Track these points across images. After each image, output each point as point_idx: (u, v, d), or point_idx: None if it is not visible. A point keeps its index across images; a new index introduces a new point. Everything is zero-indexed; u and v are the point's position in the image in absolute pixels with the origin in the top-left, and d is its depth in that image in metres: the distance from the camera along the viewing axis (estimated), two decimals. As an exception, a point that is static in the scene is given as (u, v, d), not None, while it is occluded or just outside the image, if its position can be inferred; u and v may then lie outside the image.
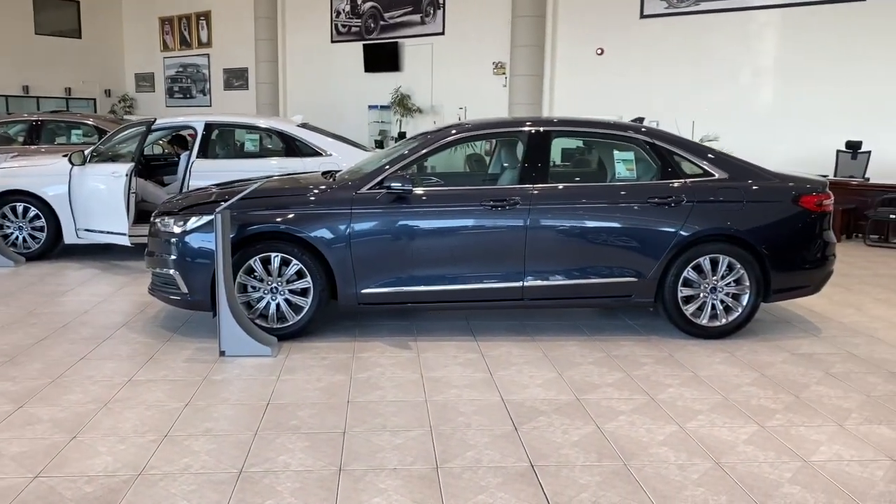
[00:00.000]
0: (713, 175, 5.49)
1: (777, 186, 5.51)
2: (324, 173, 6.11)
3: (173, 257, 5.24)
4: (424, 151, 5.41)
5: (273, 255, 5.17)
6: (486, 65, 16.44)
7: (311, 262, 5.16)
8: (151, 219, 5.58)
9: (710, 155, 5.56)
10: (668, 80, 14.05)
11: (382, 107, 17.91)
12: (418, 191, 5.26)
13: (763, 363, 4.97)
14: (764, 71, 13.24)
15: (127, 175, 7.16)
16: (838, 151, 11.51)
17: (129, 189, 7.19)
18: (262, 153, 8.37)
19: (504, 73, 16.23)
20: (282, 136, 8.19)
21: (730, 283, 5.44)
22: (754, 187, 5.47)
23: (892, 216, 9.94)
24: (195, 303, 5.25)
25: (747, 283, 5.43)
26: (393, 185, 5.13)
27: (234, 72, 21.27)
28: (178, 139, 9.05)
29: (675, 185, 5.40)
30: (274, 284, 5.21)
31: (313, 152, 8.07)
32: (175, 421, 3.89)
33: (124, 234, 7.19)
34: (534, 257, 5.28)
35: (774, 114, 13.07)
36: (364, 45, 18.06)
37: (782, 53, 13.02)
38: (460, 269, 5.26)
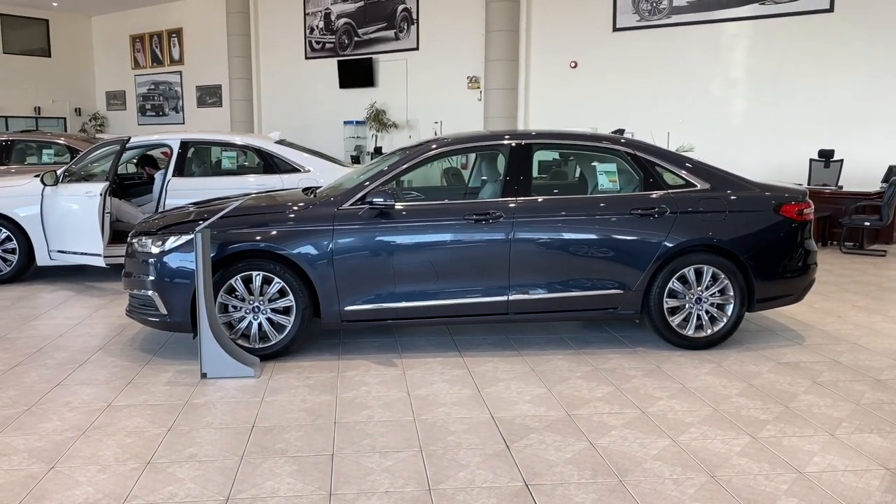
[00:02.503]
0: (695, 185, 5.50)
1: (758, 196, 5.53)
2: (304, 190, 6.03)
3: (152, 278, 5.13)
4: (405, 166, 5.36)
5: (254, 273, 5.08)
6: (461, 79, 16.47)
7: (294, 280, 5.08)
8: (128, 239, 5.46)
9: (690, 165, 5.56)
10: (641, 92, 14.17)
11: (358, 122, 17.86)
12: (400, 206, 5.21)
13: (750, 373, 4.96)
14: (736, 82, 13.39)
15: (101, 195, 7.03)
16: (811, 160, 11.65)
17: (104, 209, 7.05)
18: (240, 170, 8.27)
19: (479, 88, 16.27)
20: (259, 152, 8.10)
21: (714, 293, 5.44)
22: (736, 197, 5.48)
23: (866, 223, 10.05)
24: (175, 324, 5.14)
25: (731, 293, 5.43)
26: (375, 200, 5.07)
27: (207, 89, 21.12)
28: (147, 159, 8.92)
29: (658, 196, 5.40)
30: (256, 303, 5.11)
31: (291, 168, 7.99)
32: (157, 447, 3.77)
33: (99, 255, 7.04)
34: (518, 271, 5.24)
35: (747, 124, 13.21)
36: (339, 62, 18.02)
37: (754, 64, 13.18)
38: (444, 284, 5.20)
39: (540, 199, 5.37)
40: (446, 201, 5.59)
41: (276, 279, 5.08)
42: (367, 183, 5.26)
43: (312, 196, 5.57)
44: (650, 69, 14.12)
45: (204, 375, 4.80)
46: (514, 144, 5.45)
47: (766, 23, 12.96)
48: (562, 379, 4.83)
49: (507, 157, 5.42)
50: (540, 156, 5.74)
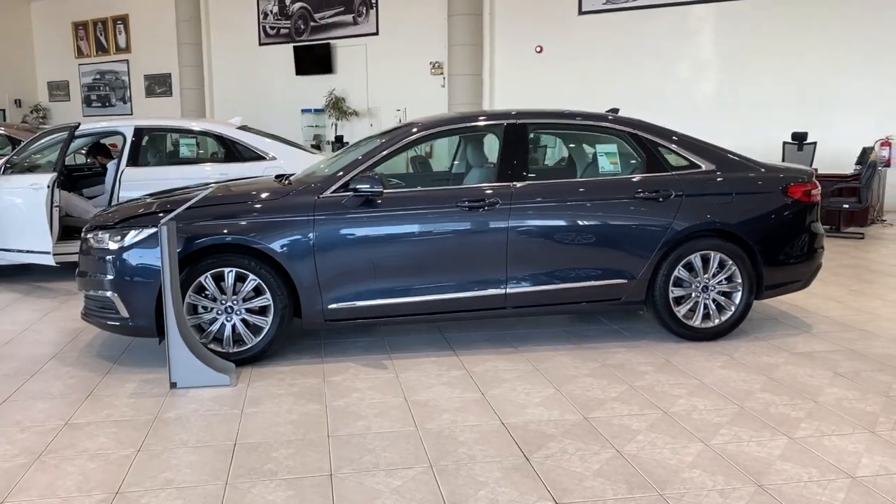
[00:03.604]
0: (700, 166, 5.15)
1: (765, 177, 5.21)
2: (276, 177, 5.53)
3: (110, 277, 4.59)
4: (390, 150, 4.90)
5: (226, 270, 4.58)
6: (424, 65, 15.98)
7: (271, 277, 4.59)
8: (83, 234, 4.90)
9: (695, 145, 5.21)
10: (608, 77, 13.88)
11: (316, 110, 17.26)
12: (388, 193, 4.74)
13: (766, 365, 4.64)
14: (704, 65, 13.20)
15: (49, 187, 6.41)
16: (784, 143, 11.48)
17: (52, 202, 6.44)
18: (200, 159, 7.69)
19: (442, 73, 15.81)
20: (220, 139, 7.54)
21: (721, 281, 5.10)
22: (743, 178, 5.15)
23: (845, 206, 9.89)
24: (138, 328, 4.61)
25: (739, 281, 5.10)
26: (360, 187, 4.61)
27: (156, 78, 20.24)
28: (99, 148, 8.23)
29: (663, 178, 5.04)
30: (229, 303, 4.61)
31: (255, 156, 7.45)
32: (126, 473, 3.27)
33: (48, 253, 6.43)
34: (516, 261, 4.83)
35: (716, 107, 13.03)
36: (294, 47, 17.37)
37: (721, 48, 13.00)
38: (437, 277, 4.77)
39: (538, 183, 4.97)
40: (438, 187, 5.14)
41: (251, 276, 4.59)
42: (349, 168, 4.79)
43: (287, 184, 5.07)
44: (617, 53, 13.84)
45: (173, 385, 4.29)
46: (508, 124, 5.02)
47: (732, 5, 12.78)
48: (569, 377, 4.44)
49: (501, 138, 5.00)
50: (538, 137, 5.32)
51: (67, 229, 7.00)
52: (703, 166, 5.14)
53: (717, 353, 4.89)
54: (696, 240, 5.02)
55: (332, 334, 5.27)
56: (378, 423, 3.78)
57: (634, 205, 4.94)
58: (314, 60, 17.22)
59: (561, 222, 4.88)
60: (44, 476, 3.25)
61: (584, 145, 5.45)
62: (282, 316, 4.63)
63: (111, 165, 7.56)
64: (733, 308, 5.13)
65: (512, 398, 4.11)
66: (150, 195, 5.47)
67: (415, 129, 5.05)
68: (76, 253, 6.85)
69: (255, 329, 4.67)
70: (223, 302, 4.61)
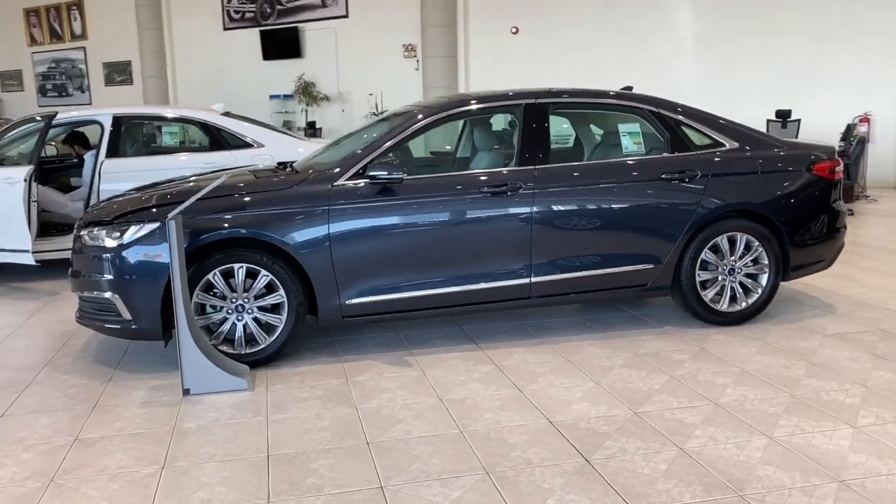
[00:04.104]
0: (724, 145, 4.97)
1: (790, 155, 5.05)
2: (279, 164, 5.21)
3: (109, 277, 4.25)
4: (408, 132, 4.61)
5: (236, 265, 4.26)
6: (396, 48, 15.61)
7: (284, 272, 4.29)
8: (76, 231, 4.54)
9: (718, 122, 5.02)
10: (586, 58, 13.66)
11: (285, 96, 16.78)
12: (406, 179, 4.45)
13: (803, 349, 4.49)
14: (684, 43, 13.08)
15: (26, 180, 5.98)
16: (768, 121, 11.41)
17: (30, 197, 6.02)
18: (183, 148, 7.29)
19: (415, 56, 15.46)
20: (204, 127, 7.15)
21: (747, 263, 4.93)
22: (768, 156, 4.98)
23: (835, 183, 9.82)
24: (141, 331, 4.28)
25: (766, 262, 4.94)
26: (378, 174, 4.31)
27: (115, 66, 19.50)
28: (76, 136, 7.74)
29: (688, 157, 4.84)
30: (239, 301, 4.30)
31: (243, 144, 7.09)
32: (155, 494, 2.97)
33: (27, 251, 6.01)
34: (540, 249, 4.60)
35: (697, 88, 12.89)
36: (261, 32, 16.84)
37: (702, 27, 12.89)
38: (460, 267, 4.52)
39: (563, 166, 4.73)
40: (458, 172, 4.87)
41: (263, 272, 4.28)
42: (364, 154, 4.49)
43: (294, 172, 4.76)
44: (595, 34, 13.65)
45: (186, 392, 3.98)
46: (528, 105, 4.77)
47: (711, -18, 12.69)
48: (605, 369, 4.23)
49: (521, 119, 4.74)
50: (558, 117, 5.07)
51: (44, 226, 6.57)
52: (727, 144, 4.96)
53: (748, 337, 4.72)
54: (722, 221, 4.85)
55: (345, 330, 4.98)
56: (418, 427, 3.52)
57: (661, 186, 4.74)
58: (282, 45, 16.72)
59: (586, 206, 4.65)
60: (62, 502, 2.94)
61: (607, 125, 5.22)
62: (297, 313, 4.34)
63: (88, 157, 7.13)
64: (760, 290, 4.97)
65: (552, 394, 3.89)
66: (140, 188, 5.11)
67: (432, 111, 4.74)
68: (57, 250, 6.52)
69: (267, 328, 4.37)
70: (233, 300, 4.29)
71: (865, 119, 12.12)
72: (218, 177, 4.80)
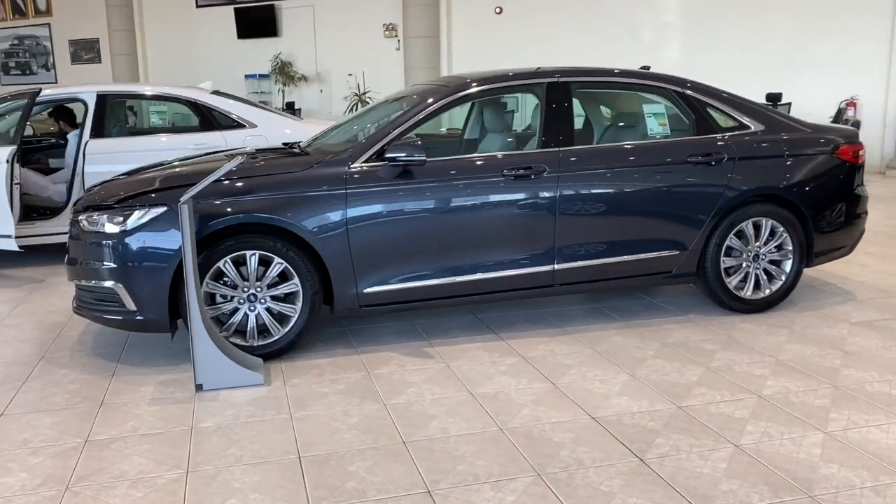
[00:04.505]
0: (749, 127, 4.81)
1: (816, 138, 4.91)
2: (284, 145, 4.94)
3: (112, 265, 3.97)
4: (427, 112, 4.37)
5: (248, 253, 4.01)
6: (377, 27, 15.28)
7: (299, 259, 4.05)
8: (72, 215, 4.25)
9: (743, 104, 4.86)
10: (571, 39, 13.49)
11: (261, 75, 16.35)
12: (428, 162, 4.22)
13: (832, 338, 4.37)
14: (670, 26, 12.95)
15: (8, 161, 5.63)
16: (758, 104, 11.31)
17: (12, 179, 5.67)
18: (172, 128, 6.95)
19: (396, 36, 15.15)
20: (194, 105, 6.81)
21: (771, 249, 4.80)
22: (794, 139, 4.84)
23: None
24: (146, 323, 4.01)
25: (790, 248, 4.81)
26: (398, 155, 4.08)
27: (82, 43, 18.85)
28: (62, 111, 7.30)
29: (715, 140, 4.68)
30: (252, 291, 4.05)
31: (234, 124, 6.77)
32: (184, 503, 2.73)
33: (9, 237, 5.67)
34: (565, 235, 4.42)
35: (683, 68, 12.72)
36: (235, 9, 16.37)
37: (688, 7, 12.76)
38: (482, 254, 4.32)
39: (588, 148, 4.55)
40: (480, 154, 4.64)
41: (277, 259, 4.03)
42: (382, 134, 4.25)
43: (302, 153, 4.51)
44: (579, 16, 13.46)
45: (199, 387, 3.73)
46: (550, 84, 4.55)
47: (699, -36, 12.56)
48: (637, 360, 4.07)
49: (543, 99, 4.53)
50: (581, 97, 4.84)
51: (25, 209, 6.22)
52: (753, 127, 4.81)
53: (774, 325, 4.60)
54: (748, 206, 4.70)
55: (357, 320, 4.76)
56: (453, 424, 3.33)
57: (687, 170, 4.58)
58: (257, 23, 16.28)
59: (611, 191, 4.47)
60: (82, 512, 2.69)
61: (631, 106, 5.03)
62: (312, 303, 4.10)
63: (72, 137, 6.75)
64: (784, 277, 4.85)
65: (587, 387, 3.71)
66: (130, 172, 4.81)
67: (452, 90, 4.49)
68: (39, 235, 6.18)
69: (280, 318, 4.12)
70: (245, 289, 4.04)
71: (852, 103, 12.11)
72: (218, 159, 4.53)
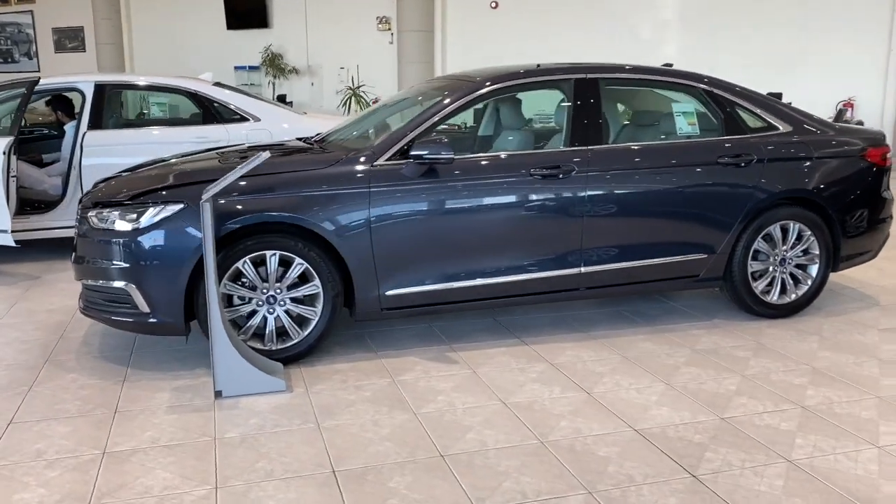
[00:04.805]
0: (778, 128, 4.70)
1: (844, 139, 4.81)
2: (299, 140, 4.76)
3: (124, 265, 3.77)
4: (453, 108, 4.21)
5: (268, 253, 3.83)
6: (370, 20, 15.07)
7: (321, 260, 3.88)
8: (79, 211, 4.04)
9: (771, 104, 4.75)
10: (567, 36, 13.37)
11: (251, 67, 16.08)
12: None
13: (865, 345, 4.27)
14: (669, 25, 12.87)
15: (4, 153, 5.40)
16: (757, 104, 11.25)
17: (9, 171, 5.44)
18: (173, 120, 6.73)
19: (390, 29, 14.95)
20: (195, 97, 6.60)
21: (798, 253, 4.69)
22: (822, 141, 4.74)
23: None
24: (160, 325, 3.82)
25: (817, 252, 4.71)
26: (424, 152, 3.91)
27: (66, 31, 18.44)
28: (60, 101, 7.00)
29: (744, 140, 4.57)
30: (271, 292, 3.87)
31: (237, 117, 6.57)
32: (217, 522, 2.57)
33: (6, 232, 5.44)
34: (592, 237, 4.28)
35: (680, 66, 12.72)
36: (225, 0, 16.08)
37: (685, 5, 12.69)
38: (508, 256, 4.18)
39: (617, 147, 4.41)
40: (507, 152, 4.48)
41: (298, 259, 3.85)
42: (407, 130, 4.08)
43: (321, 148, 4.33)
44: (576, 12, 13.34)
45: (218, 394, 3.55)
46: (578, 80, 4.40)
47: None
48: (669, 368, 3.94)
49: (571, 95, 4.38)
50: (608, 94, 4.68)
51: (19, 203, 5.98)
52: (781, 128, 4.70)
53: (802, 331, 4.49)
54: (777, 209, 4.59)
55: (374, 323, 4.59)
56: (492, 436, 3.18)
57: (717, 171, 4.46)
58: (247, 13, 16.01)
59: (640, 191, 4.34)
60: (108, 532, 2.51)
61: (659, 104, 4.90)
62: (333, 305, 3.93)
63: (69, 128, 6.51)
64: (810, 282, 4.75)
65: (624, 397, 3.58)
66: (137, 166, 4.61)
67: (477, 86, 4.31)
68: (36, 230, 5.96)
69: (299, 321, 3.95)
70: (264, 291, 3.86)
71: (849, 104, 12.11)
72: (215, 156, 4.35)
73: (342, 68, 15.42)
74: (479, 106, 5.16)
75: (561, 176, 4.19)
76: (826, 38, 11.95)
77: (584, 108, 4.35)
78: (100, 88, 6.34)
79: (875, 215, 4.89)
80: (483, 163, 4.21)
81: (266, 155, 3.53)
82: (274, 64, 15.76)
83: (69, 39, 18.51)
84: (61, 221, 6.10)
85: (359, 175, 3.93)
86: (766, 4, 12.08)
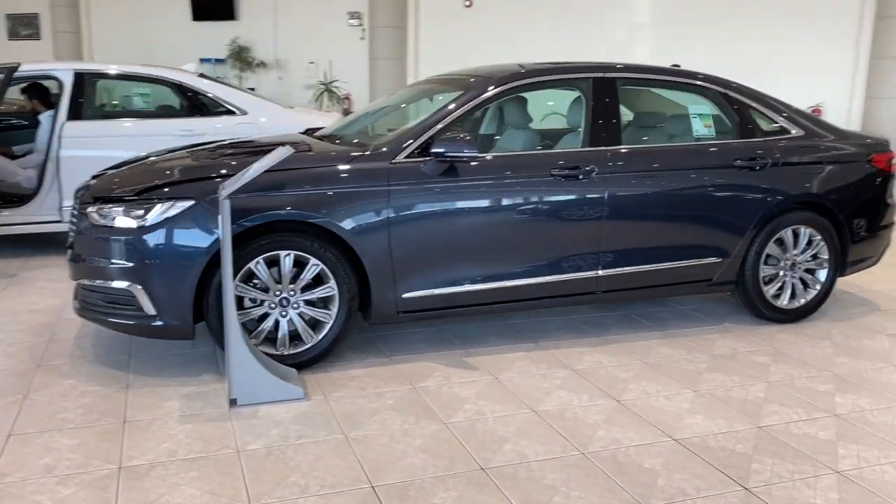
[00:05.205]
0: (790, 132, 4.67)
1: (852, 144, 4.81)
2: (307, 132, 4.58)
3: (129, 264, 3.54)
4: (472, 104, 4.07)
5: (282, 253, 3.64)
6: (341, 15, 14.82)
7: (337, 261, 3.70)
8: (75, 206, 3.80)
9: (783, 107, 4.72)
10: (542, 37, 13.34)
11: (217, 60, 15.65)
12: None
13: (878, 351, 4.27)
14: (640, 27, 12.94)
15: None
16: (732, 108, 11.36)
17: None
18: (157, 112, 6.44)
19: (361, 25, 14.72)
20: (180, 88, 6.33)
21: (807, 257, 4.68)
22: (832, 145, 4.73)
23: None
24: (166, 329, 3.60)
25: (826, 257, 4.70)
26: (446, 150, 3.76)
27: (20, 18, 17.70)
28: (36, 89, 6.60)
29: (759, 143, 4.52)
30: (284, 294, 3.68)
31: (224, 110, 6.32)
32: (259, 543, 2.39)
33: (-20, 227, 5.13)
34: (610, 240, 4.19)
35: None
36: (191, -11, 15.65)
37: (657, 9, 12.77)
38: (528, 258, 4.07)
39: (636, 148, 4.32)
40: (528, 151, 4.36)
41: (313, 260, 3.67)
42: (427, 126, 3.93)
43: (337, 144, 4.16)
44: (551, 13, 13.31)
45: (233, 402, 3.35)
46: (596, 79, 4.30)
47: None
48: (692, 374, 3.87)
49: (590, 95, 4.27)
50: (625, 94, 4.58)
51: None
52: (794, 131, 4.67)
53: (813, 336, 4.47)
54: (790, 213, 4.56)
55: (383, 326, 4.42)
56: (530, 447, 3.05)
57: (734, 174, 4.40)
58: (214, 4, 15.60)
59: (659, 193, 4.26)
60: (141, 557, 2.31)
61: (675, 105, 4.82)
62: (349, 307, 3.76)
63: (44, 118, 6.18)
64: (818, 286, 4.73)
65: (654, 404, 3.49)
66: (125, 162, 4.37)
67: (500, 81, 4.16)
68: (13, 225, 5.65)
69: (313, 325, 3.77)
70: (277, 293, 3.67)
71: (817, 110, 12.28)
72: (188, 153, 4.15)
73: (311, 63, 15.15)
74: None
75: (581, 177, 4.08)
76: (794, 43, 12.11)
77: (602, 108, 4.25)
78: (79, 77, 6.03)
79: (880, 221, 4.90)
80: (506, 162, 4.07)
81: (289, 150, 3.33)
82: (241, 57, 15.39)
83: (23, 26, 17.80)
84: (37, 216, 5.80)
85: (378, 172, 3.77)
86: (736, 9, 12.20)
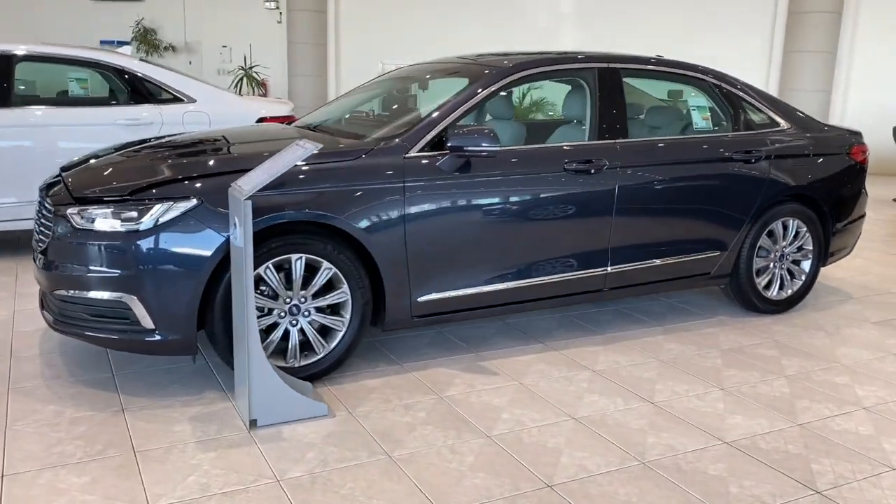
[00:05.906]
0: (780, 124, 4.70)
1: (834, 136, 4.89)
2: (302, 127, 4.24)
3: (120, 273, 3.15)
4: (481, 96, 3.84)
5: (294, 256, 3.33)
6: (257, -3, 14.21)
7: (351, 264, 3.42)
8: (49, 206, 3.35)
9: (772, 100, 4.75)
10: (464, 22, 13.23)
11: (120, 42, 14.65)
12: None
13: (871, 340, 4.36)
14: (563, 18, 13.03)
15: None
16: (659, 98, 11.58)
17: None
18: (96, 99, 5.87)
19: (278, 8, 14.16)
20: (121, 73, 5.80)
21: (794, 249, 4.74)
22: (818, 138, 4.79)
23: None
24: (164, 343, 3.23)
25: (810, 248, 4.77)
26: (465, 143, 3.53)
27: None
28: None
29: (754, 136, 4.53)
30: (295, 301, 3.37)
31: (171, 97, 5.85)
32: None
33: None
34: (620, 236, 4.09)
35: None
36: (90, -34, 14.62)
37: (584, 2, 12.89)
38: (541, 257, 3.90)
39: (644, 141, 4.22)
40: (540, 145, 4.18)
41: (326, 264, 3.38)
42: (439, 118, 3.69)
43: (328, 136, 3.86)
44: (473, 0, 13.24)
45: (253, 423, 3.04)
46: (601, 70, 4.17)
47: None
48: (712, 370, 3.82)
49: (595, 86, 4.14)
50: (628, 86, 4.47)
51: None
52: (783, 124, 4.69)
53: (806, 327, 4.53)
54: (781, 205, 4.59)
55: (376, 331, 4.15)
56: (588, 459, 2.89)
57: (733, 167, 4.38)
58: (115, -17, 14.64)
59: (668, 187, 4.18)
60: None
61: (675, 97, 4.76)
62: (362, 314, 3.49)
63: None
64: (804, 277, 4.80)
65: (690, 405, 3.40)
66: (115, 148, 3.97)
67: (509, 70, 3.94)
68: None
69: (324, 333, 3.48)
70: (287, 300, 3.36)
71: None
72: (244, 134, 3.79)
73: (224, 47, 14.48)
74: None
75: (592, 171, 3.95)
76: (712, 41, 12.45)
77: (609, 100, 4.13)
78: (5, 60, 5.42)
79: (857, 212, 5.01)
80: (523, 156, 3.87)
81: (316, 146, 3.02)
82: (147, 40, 14.51)
83: None
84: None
85: (392, 168, 3.51)
86: (655, 4, 12.44)
